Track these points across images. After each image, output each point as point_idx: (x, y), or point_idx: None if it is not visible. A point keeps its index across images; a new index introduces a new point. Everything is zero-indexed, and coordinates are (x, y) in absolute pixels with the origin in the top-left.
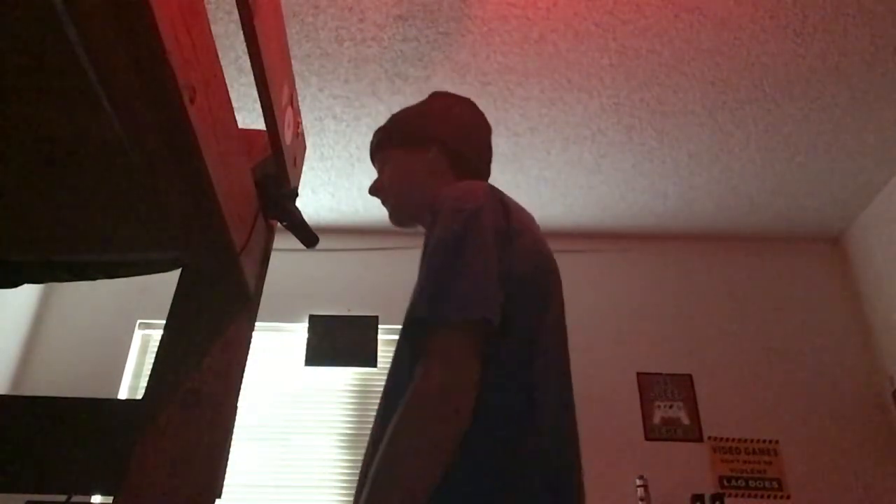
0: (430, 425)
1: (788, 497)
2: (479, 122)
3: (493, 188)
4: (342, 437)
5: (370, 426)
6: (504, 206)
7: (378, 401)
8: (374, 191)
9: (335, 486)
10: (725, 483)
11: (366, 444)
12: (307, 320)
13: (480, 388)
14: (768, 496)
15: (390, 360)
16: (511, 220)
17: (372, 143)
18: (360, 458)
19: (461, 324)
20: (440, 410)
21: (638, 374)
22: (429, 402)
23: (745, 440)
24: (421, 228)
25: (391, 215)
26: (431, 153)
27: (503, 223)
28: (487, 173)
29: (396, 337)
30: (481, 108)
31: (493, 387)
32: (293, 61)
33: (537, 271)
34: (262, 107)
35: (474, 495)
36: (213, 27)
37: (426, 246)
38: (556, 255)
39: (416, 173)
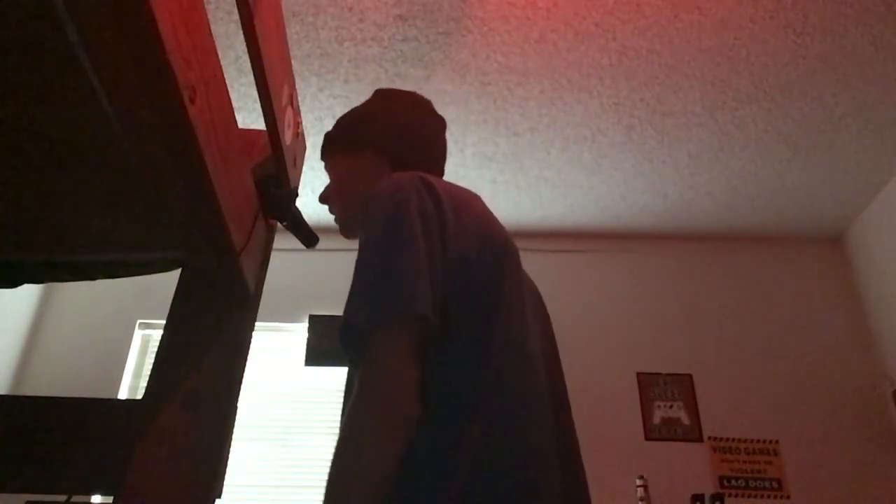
0: (372, 440)
1: (788, 497)
2: (419, 117)
3: (420, 176)
4: None
5: None
6: (432, 191)
7: None
8: (322, 199)
9: None
10: (725, 483)
11: None
12: (307, 320)
13: (427, 382)
14: (768, 496)
15: None
16: (442, 203)
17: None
18: None
19: (394, 324)
20: (381, 423)
21: (638, 374)
22: (369, 414)
23: (745, 440)
24: None
25: (339, 225)
26: (367, 156)
27: (432, 209)
28: (435, 168)
29: None
30: (481, 107)
31: (440, 377)
32: (293, 61)
33: (483, 250)
34: (262, 107)
35: (414, 497)
36: (213, 27)
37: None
38: (555, 256)
39: (356, 178)
